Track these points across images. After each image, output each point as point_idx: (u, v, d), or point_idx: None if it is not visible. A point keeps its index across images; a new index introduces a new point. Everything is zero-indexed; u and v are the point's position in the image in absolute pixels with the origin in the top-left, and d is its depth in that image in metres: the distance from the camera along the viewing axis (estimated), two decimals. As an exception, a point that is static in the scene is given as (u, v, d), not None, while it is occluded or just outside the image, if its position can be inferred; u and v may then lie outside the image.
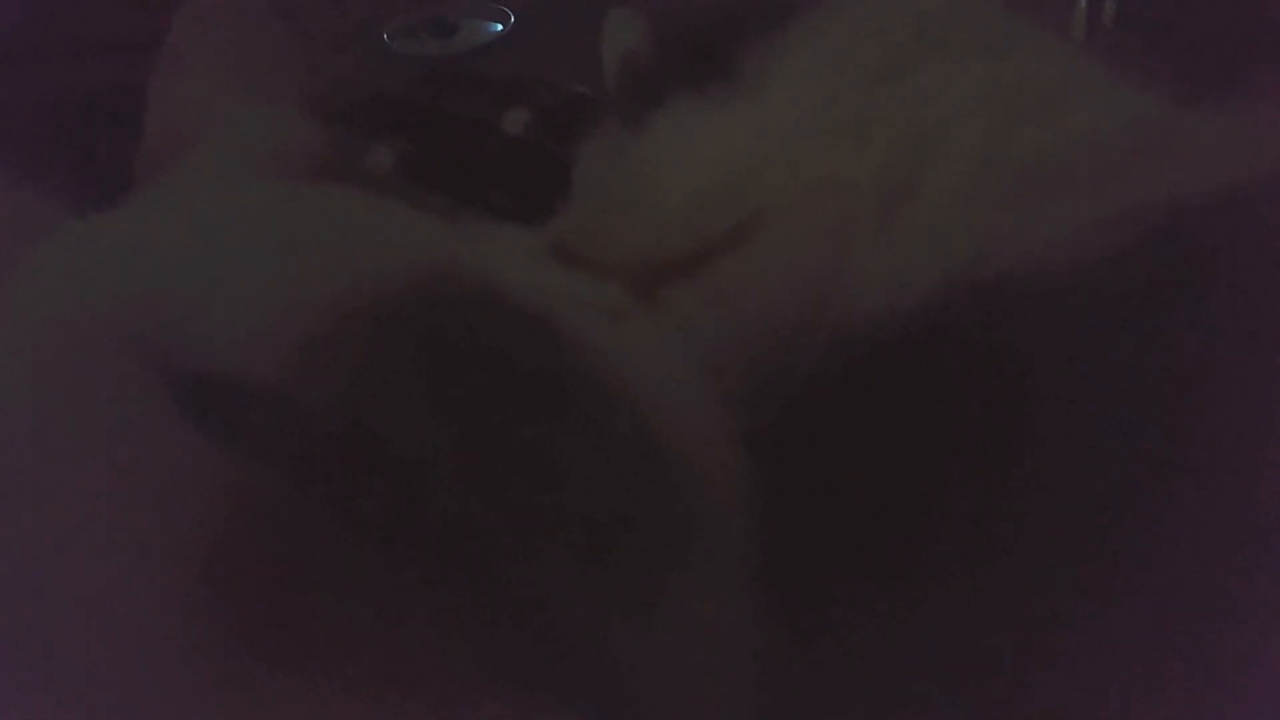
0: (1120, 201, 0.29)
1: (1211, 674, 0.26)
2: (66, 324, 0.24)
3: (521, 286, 0.26)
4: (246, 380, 0.22)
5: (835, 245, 0.30)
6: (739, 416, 0.26)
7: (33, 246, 0.27)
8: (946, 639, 0.27)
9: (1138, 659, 0.26)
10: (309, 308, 0.23)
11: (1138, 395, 0.26)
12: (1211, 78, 0.39)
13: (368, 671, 0.20)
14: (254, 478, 0.21)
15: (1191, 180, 0.29)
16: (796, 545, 0.26)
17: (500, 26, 1.01)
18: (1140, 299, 0.27)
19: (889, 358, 0.29)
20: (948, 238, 0.30)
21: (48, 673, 0.19)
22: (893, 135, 0.33)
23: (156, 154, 0.33)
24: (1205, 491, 0.26)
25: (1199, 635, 0.26)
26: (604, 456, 0.24)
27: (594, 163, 0.46)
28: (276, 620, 0.20)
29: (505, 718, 0.21)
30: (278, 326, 0.23)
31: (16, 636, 0.20)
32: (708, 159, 0.37)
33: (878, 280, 0.29)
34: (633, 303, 0.28)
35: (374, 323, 0.24)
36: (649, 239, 0.35)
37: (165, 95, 0.34)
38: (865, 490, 0.28)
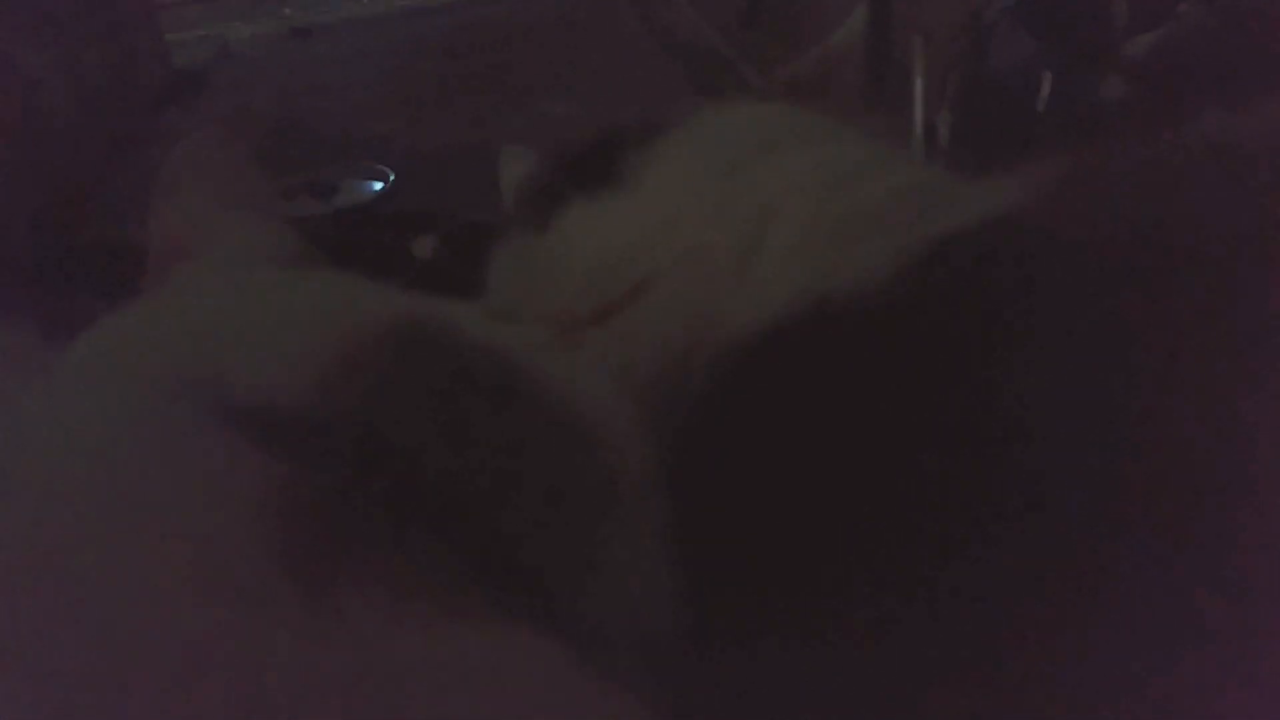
0: (906, 238, 0.39)
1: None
2: (132, 382, 0.31)
3: (474, 328, 0.35)
4: (281, 407, 0.30)
5: (705, 293, 0.40)
6: (646, 416, 0.35)
7: (76, 336, 0.34)
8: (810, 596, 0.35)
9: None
10: (318, 351, 0.31)
11: (913, 386, 0.35)
12: (981, 156, 0.51)
13: (386, 602, 0.27)
14: (295, 474, 0.29)
15: (955, 219, 0.39)
16: (695, 506, 0.34)
17: (380, 185, 1.03)
18: (924, 308, 0.37)
19: (751, 371, 0.38)
20: (784, 278, 0.39)
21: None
22: (741, 209, 0.42)
23: (162, 260, 0.41)
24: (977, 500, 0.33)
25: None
26: (550, 443, 0.32)
27: (504, 263, 0.54)
28: (323, 569, 0.27)
29: (489, 635, 0.28)
30: (297, 367, 0.31)
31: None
32: (602, 243, 0.46)
33: (738, 315, 0.39)
34: (560, 342, 0.37)
35: (368, 358, 0.32)
36: (563, 303, 0.44)
37: (164, 212, 0.41)
38: (742, 469, 0.37)
